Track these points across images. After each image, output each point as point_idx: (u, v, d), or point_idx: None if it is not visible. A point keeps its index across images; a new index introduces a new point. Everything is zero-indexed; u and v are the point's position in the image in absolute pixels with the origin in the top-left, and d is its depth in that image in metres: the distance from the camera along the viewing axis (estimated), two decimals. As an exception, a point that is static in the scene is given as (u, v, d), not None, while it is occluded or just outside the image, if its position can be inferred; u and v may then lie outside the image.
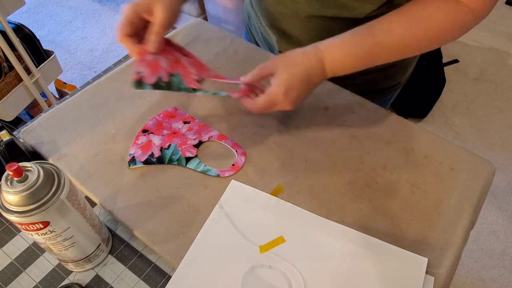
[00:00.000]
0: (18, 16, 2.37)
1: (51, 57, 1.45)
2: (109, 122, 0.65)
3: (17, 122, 1.40)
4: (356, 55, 0.54)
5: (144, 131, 0.63)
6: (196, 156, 0.60)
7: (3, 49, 1.20)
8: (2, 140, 0.54)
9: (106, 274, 0.51)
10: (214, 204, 0.55)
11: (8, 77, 1.29)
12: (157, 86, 0.57)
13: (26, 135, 0.63)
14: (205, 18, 2.12)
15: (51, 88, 1.68)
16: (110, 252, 0.53)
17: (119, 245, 0.54)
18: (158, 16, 0.54)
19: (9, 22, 1.25)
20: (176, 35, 0.79)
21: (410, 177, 0.57)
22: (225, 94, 0.58)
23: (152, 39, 0.55)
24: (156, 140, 0.62)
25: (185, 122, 0.65)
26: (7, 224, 0.55)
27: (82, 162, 0.59)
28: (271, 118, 0.65)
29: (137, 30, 0.56)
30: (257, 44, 0.83)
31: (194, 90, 0.58)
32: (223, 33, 0.79)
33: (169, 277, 0.51)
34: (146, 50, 0.56)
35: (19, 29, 1.36)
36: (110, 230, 0.55)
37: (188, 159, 0.60)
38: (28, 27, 1.39)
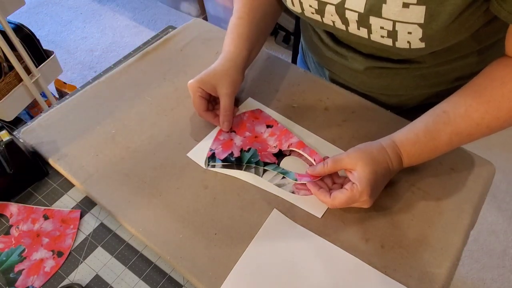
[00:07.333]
0: (18, 16, 2.37)
1: (51, 57, 1.44)
2: (109, 122, 0.65)
3: (17, 122, 1.40)
4: (434, 147, 0.51)
5: None
6: (274, 163, 0.59)
7: (3, 49, 1.20)
8: (2, 140, 0.54)
9: (106, 274, 0.51)
10: (214, 204, 0.55)
11: (8, 77, 1.29)
12: (227, 160, 0.59)
13: (26, 135, 0.63)
14: (205, 18, 2.12)
15: (51, 88, 1.68)
16: (110, 252, 0.53)
17: (119, 245, 0.54)
18: (223, 100, 0.59)
19: (9, 22, 1.25)
20: (176, 35, 0.79)
21: (410, 177, 0.57)
22: (293, 179, 0.56)
23: (223, 122, 0.60)
24: (238, 141, 0.61)
25: (268, 126, 0.63)
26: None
27: (82, 162, 0.59)
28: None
29: (210, 100, 0.62)
30: (308, 68, 0.83)
31: (265, 166, 0.58)
32: (223, 33, 0.79)
33: (169, 277, 0.51)
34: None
35: (19, 29, 1.36)
36: (110, 230, 0.55)
37: (266, 163, 0.58)
38: (28, 27, 1.39)
